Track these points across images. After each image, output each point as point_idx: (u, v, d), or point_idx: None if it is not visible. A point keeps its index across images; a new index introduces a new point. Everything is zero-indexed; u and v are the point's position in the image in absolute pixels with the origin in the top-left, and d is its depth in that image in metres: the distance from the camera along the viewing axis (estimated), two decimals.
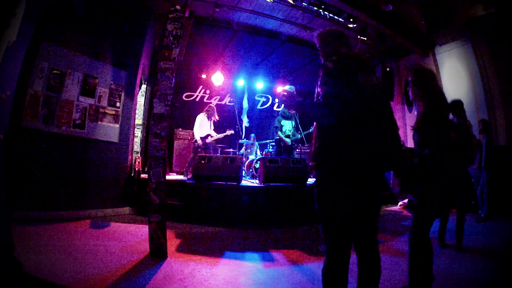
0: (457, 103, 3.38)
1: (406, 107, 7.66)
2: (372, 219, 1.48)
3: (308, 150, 7.55)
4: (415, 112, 2.01)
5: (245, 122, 8.97)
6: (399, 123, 1.85)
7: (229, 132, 6.26)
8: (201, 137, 5.79)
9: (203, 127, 5.93)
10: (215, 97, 8.82)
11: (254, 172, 5.99)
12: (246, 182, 5.41)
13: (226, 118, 8.25)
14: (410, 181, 1.82)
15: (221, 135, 6.14)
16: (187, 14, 5.16)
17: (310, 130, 6.28)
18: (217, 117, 6.19)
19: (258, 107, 9.58)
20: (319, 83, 1.48)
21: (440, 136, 1.86)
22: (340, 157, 1.38)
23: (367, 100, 1.43)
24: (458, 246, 3.07)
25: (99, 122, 4.37)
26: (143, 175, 4.82)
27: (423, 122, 1.89)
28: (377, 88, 1.49)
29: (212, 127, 6.19)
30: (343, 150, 1.38)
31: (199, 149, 5.76)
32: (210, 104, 6.58)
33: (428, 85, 1.96)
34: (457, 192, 3.19)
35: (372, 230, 1.48)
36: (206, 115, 6.04)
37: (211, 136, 5.99)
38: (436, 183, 1.82)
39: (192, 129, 6.06)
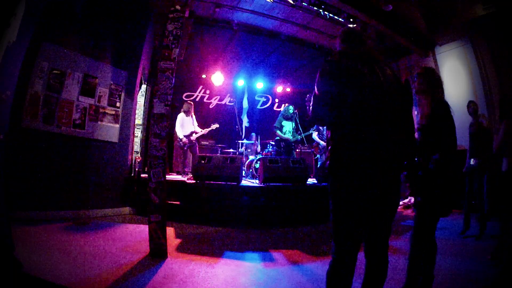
0: (473, 103, 3.65)
1: None
2: (384, 221, 1.44)
3: (308, 151, 7.56)
4: (415, 112, 1.99)
5: (245, 122, 8.97)
6: None
7: (214, 126, 6.16)
8: (185, 136, 5.78)
9: (185, 125, 5.91)
10: (215, 97, 8.82)
11: (254, 172, 5.98)
12: (246, 182, 5.40)
13: (226, 118, 8.26)
14: (421, 185, 1.80)
15: (206, 131, 6.07)
16: (187, 14, 5.17)
17: (310, 132, 6.29)
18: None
19: (258, 107, 9.58)
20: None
21: (448, 138, 1.84)
22: (348, 157, 1.36)
23: (374, 100, 1.37)
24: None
25: (99, 122, 4.37)
26: (143, 175, 4.81)
27: (430, 121, 1.86)
28: (388, 87, 1.41)
29: (196, 124, 6.13)
30: (350, 150, 1.36)
31: (185, 148, 5.74)
32: (188, 101, 6.51)
33: (438, 86, 1.97)
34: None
35: (384, 232, 1.45)
36: (184, 112, 6.00)
37: (196, 133, 5.96)
38: (442, 186, 1.80)
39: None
